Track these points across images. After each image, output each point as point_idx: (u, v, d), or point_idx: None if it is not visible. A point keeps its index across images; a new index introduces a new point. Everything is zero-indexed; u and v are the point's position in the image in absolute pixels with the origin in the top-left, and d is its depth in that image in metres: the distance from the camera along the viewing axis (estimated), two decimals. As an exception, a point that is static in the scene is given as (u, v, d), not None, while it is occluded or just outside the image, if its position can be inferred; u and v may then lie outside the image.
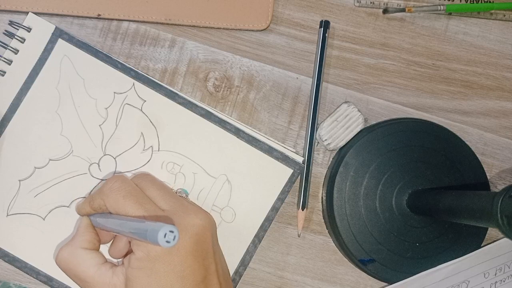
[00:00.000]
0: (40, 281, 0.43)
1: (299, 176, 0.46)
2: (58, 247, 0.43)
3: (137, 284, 0.35)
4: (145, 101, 0.45)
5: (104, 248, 0.42)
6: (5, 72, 0.44)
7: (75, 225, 0.44)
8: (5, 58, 0.44)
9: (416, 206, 0.44)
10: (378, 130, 0.46)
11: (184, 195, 0.44)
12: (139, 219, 0.35)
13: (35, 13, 0.44)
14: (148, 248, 0.35)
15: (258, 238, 0.45)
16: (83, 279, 0.38)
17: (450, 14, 0.49)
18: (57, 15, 0.45)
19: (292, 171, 0.45)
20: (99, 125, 0.45)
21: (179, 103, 0.45)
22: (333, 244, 0.47)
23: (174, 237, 0.29)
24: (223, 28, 0.47)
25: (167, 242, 0.28)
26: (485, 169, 0.46)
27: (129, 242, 0.39)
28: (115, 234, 0.41)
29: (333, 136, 0.46)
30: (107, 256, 0.40)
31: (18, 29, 0.44)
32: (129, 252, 0.38)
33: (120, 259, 0.41)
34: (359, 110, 0.46)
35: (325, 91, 0.47)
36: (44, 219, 0.44)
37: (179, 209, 0.38)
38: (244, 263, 0.45)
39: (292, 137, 0.47)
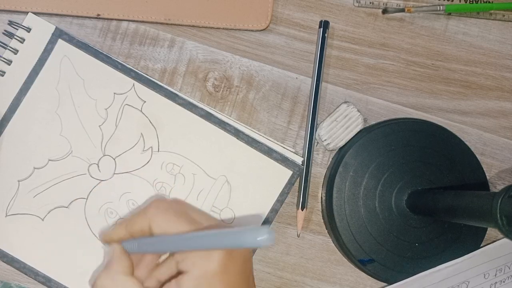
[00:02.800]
0: (39, 281, 0.43)
1: (299, 177, 0.46)
2: (58, 247, 0.43)
3: None
4: (145, 101, 0.45)
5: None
6: (4, 72, 0.44)
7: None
8: (4, 58, 0.44)
9: (416, 206, 0.44)
10: (378, 130, 0.46)
11: None
12: (209, 230, 0.35)
13: (35, 13, 0.44)
14: (205, 267, 0.35)
15: (258, 238, 0.45)
16: None
17: (449, 14, 0.49)
18: (56, 15, 0.45)
19: (291, 172, 0.45)
20: (99, 126, 0.44)
21: (179, 104, 0.45)
22: (333, 244, 0.47)
23: (271, 236, 0.30)
24: (223, 28, 0.47)
25: (267, 241, 0.29)
26: (484, 169, 0.46)
27: (176, 265, 0.38)
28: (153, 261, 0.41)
29: (332, 136, 0.46)
30: None
31: (17, 29, 0.44)
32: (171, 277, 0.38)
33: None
34: (358, 110, 0.46)
35: (324, 91, 0.47)
36: (43, 220, 0.44)
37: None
38: (243, 264, 0.45)
39: (291, 137, 0.47)
